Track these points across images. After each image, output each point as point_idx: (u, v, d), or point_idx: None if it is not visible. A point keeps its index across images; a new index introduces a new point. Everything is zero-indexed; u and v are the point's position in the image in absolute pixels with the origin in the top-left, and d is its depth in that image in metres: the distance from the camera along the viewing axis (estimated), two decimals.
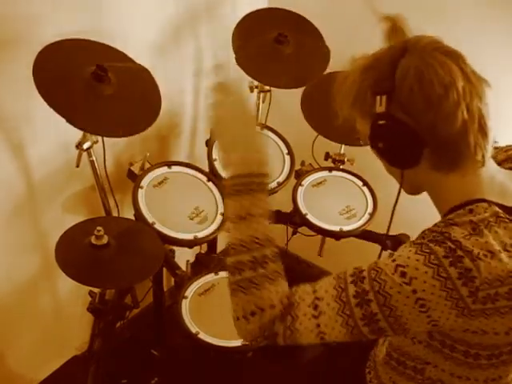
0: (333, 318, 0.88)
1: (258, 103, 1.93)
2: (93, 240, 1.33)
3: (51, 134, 1.54)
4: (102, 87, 1.34)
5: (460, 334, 0.91)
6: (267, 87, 1.88)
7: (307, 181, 1.79)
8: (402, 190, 1.00)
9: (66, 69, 1.32)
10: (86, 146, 1.45)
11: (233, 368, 1.42)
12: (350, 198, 1.75)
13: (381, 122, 0.91)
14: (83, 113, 1.32)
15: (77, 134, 1.43)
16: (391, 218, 1.03)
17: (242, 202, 0.93)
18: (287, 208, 1.78)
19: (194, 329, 1.43)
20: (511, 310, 0.87)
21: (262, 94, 1.90)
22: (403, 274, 0.84)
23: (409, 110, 0.89)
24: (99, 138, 1.51)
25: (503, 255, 0.85)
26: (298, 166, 1.84)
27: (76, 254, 1.33)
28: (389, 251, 1.57)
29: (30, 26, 1.37)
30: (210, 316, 1.46)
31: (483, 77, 0.91)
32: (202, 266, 1.73)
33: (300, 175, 1.82)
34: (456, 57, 0.91)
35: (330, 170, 1.85)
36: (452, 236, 0.85)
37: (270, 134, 1.83)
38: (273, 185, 1.72)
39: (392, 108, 0.90)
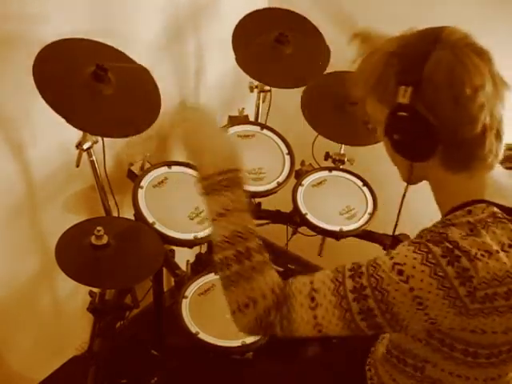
0: (330, 310, 0.87)
1: (258, 103, 1.93)
2: (93, 240, 1.33)
3: (51, 134, 1.54)
4: (102, 87, 1.34)
5: (459, 333, 0.91)
6: (267, 87, 1.88)
7: (307, 181, 1.79)
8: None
9: (66, 69, 1.32)
10: (86, 146, 1.45)
11: (233, 368, 1.42)
12: (349, 198, 1.75)
13: (401, 114, 0.89)
14: (83, 113, 1.32)
15: (77, 134, 1.43)
16: (398, 217, 1.04)
17: (220, 199, 0.93)
18: (287, 208, 1.78)
19: (194, 329, 1.43)
20: (509, 309, 0.87)
21: (262, 94, 1.90)
22: (400, 272, 0.84)
23: (432, 105, 0.87)
24: (99, 138, 1.51)
25: (501, 255, 0.84)
26: (298, 166, 1.84)
27: (76, 253, 1.33)
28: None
29: (30, 25, 1.37)
30: (210, 316, 1.46)
31: (506, 81, 0.90)
32: (202, 265, 1.74)
33: (300, 175, 1.81)
34: (487, 58, 0.88)
35: (330, 170, 1.85)
36: (449, 236, 0.85)
37: (270, 133, 1.83)
38: (273, 185, 1.72)
39: (414, 101, 0.87)
